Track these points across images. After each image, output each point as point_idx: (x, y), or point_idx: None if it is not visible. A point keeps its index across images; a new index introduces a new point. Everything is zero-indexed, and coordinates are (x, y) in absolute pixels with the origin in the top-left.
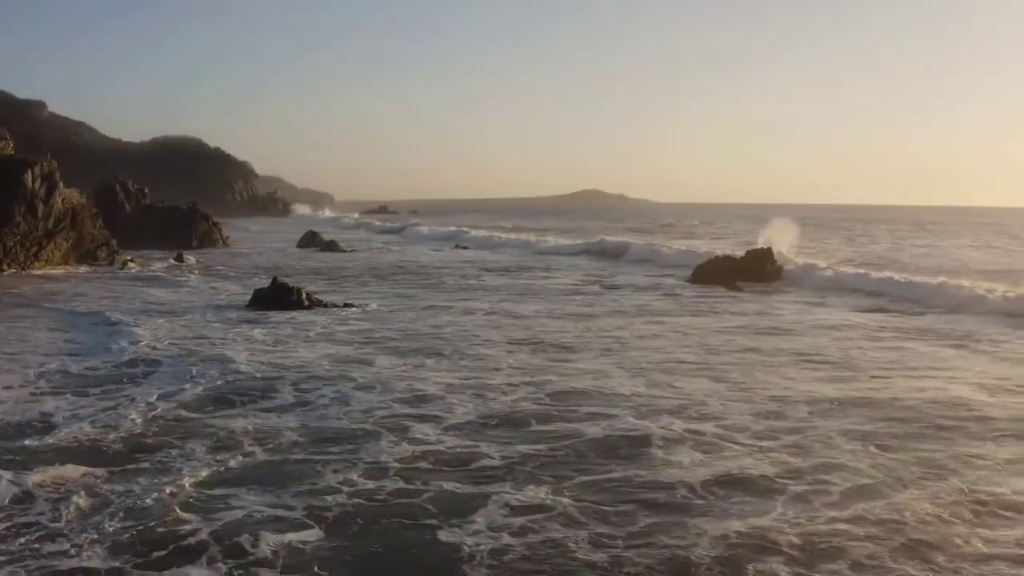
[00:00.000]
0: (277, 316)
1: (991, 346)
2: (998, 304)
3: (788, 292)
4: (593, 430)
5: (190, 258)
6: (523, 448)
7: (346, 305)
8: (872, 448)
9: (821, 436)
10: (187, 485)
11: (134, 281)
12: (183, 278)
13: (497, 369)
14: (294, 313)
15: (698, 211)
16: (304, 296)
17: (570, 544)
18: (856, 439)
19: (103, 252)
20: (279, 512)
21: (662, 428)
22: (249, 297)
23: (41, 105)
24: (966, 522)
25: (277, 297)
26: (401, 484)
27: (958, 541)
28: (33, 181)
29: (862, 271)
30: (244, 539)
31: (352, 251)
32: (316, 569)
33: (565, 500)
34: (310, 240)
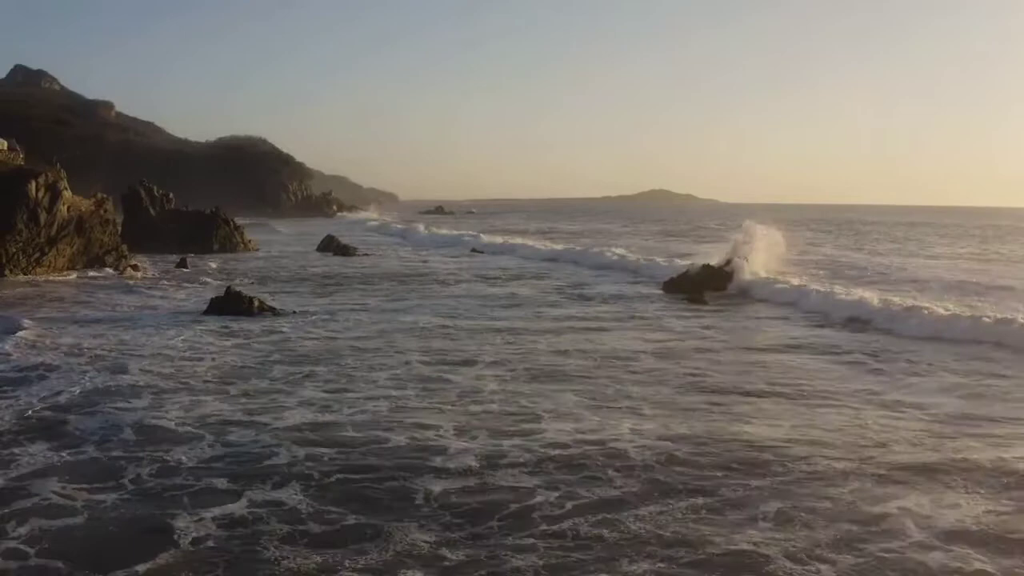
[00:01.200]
0: (216, 323)
1: (885, 364)
2: (925, 326)
3: (746, 305)
4: (399, 441)
5: (211, 263)
6: (318, 452)
7: (294, 313)
8: (635, 468)
9: (607, 456)
10: (10, 476)
11: (118, 287)
12: (170, 284)
13: (372, 381)
14: (238, 320)
15: (763, 212)
16: (255, 304)
17: (263, 537)
18: (639, 461)
19: (111, 257)
20: (62, 501)
21: (466, 441)
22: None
23: (109, 106)
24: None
25: (231, 305)
26: (180, 480)
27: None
28: (37, 191)
29: (824, 286)
30: (11, 524)
31: (364, 255)
32: (49, 545)
33: (305, 499)
34: (328, 244)
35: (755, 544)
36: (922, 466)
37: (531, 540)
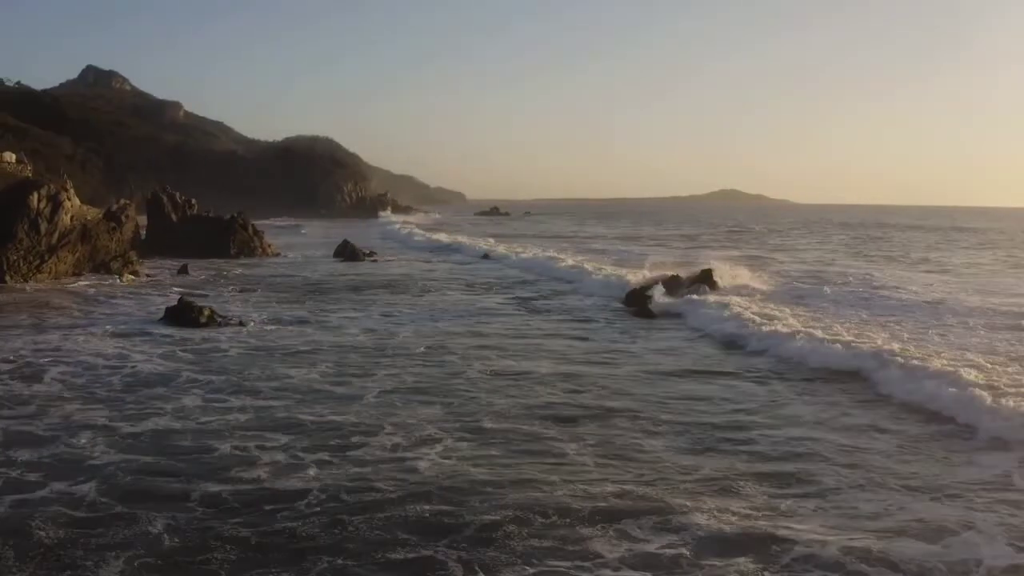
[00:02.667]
0: (162, 332)
1: (760, 390)
2: (808, 354)
3: (687, 322)
4: (223, 450)
5: (215, 270)
6: (138, 456)
7: (240, 324)
8: (405, 481)
9: (400, 469)
10: None
11: (104, 294)
12: (155, 291)
13: (256, 392)
14: (185, 329)
15: (830, 213)
16: (205, 314)
17: (37, 518)
18: (416, 476)
19: (117, 263)
20: None
21: (281, 453)
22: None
23: (177, 106)
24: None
25: (182, 314)
26: (6, 472)
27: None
28: (38, 202)
29: (766, 309)
30: None
31: (372, 261)
32: None
33: (93, 492)
34: (342, 250)
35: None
36: (627, 509)
37: (247, 532)
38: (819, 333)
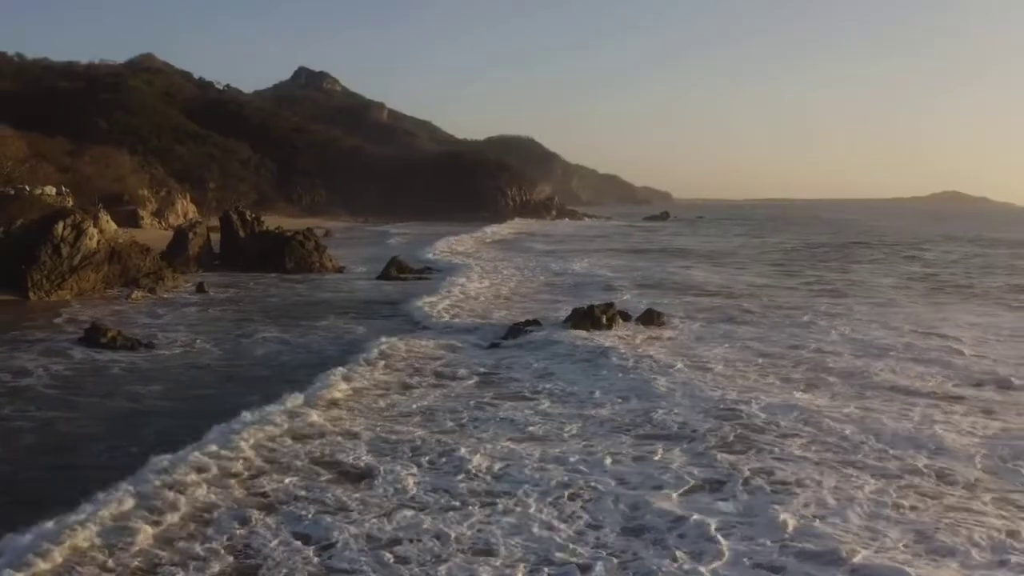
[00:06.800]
0: (73, 351)
1: None
2: None
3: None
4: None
5: (261, 287)
6: None
7: (130, 347)
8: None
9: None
10: None
11: (85, 313)
12: (137, 311)
13: (67, 405)
14: (91, 351)
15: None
16: (108, 335)
17: None
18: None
19: (148, 280)
20: None
21: None
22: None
23: (380, 107)
24: None
25: (91, 336)
26: None
27: None
28: (63, 229)
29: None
30: None
31: (403, 280)
32: None
33: None
34: (387, 267)
35: None
36: None
37: None
38: None
